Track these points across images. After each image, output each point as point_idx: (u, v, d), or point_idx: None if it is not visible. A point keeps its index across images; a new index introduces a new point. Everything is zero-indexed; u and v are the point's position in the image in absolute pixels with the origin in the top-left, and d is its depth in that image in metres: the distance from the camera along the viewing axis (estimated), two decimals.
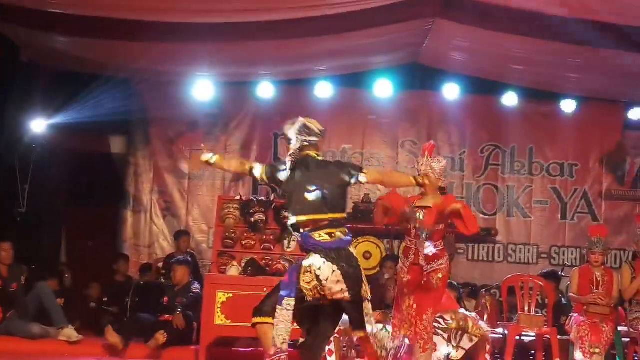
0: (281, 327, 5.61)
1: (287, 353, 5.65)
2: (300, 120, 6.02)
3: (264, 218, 9.21)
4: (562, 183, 12.64)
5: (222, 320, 8.32)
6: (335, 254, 5.70)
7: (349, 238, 5.85)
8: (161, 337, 8.68)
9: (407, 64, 12.03)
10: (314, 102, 12.15)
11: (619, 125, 12.72)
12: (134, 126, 12.43)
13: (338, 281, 5.67)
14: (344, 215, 5.89)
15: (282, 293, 5.66)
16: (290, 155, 5.94)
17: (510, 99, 12.18)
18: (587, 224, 12.19)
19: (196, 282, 9.40)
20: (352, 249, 5.85)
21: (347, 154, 12.19)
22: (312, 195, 5.77)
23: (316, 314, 5.94)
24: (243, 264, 8.82)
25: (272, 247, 9.19)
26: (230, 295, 8.36)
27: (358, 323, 5.93)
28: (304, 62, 11.47)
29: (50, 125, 11.48)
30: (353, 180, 5.91)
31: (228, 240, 9.23)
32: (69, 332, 8.99)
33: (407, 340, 6.96)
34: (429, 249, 6.98)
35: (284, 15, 9.26)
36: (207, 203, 12.21)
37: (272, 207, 9.32)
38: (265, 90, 12.02)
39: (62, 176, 11.92)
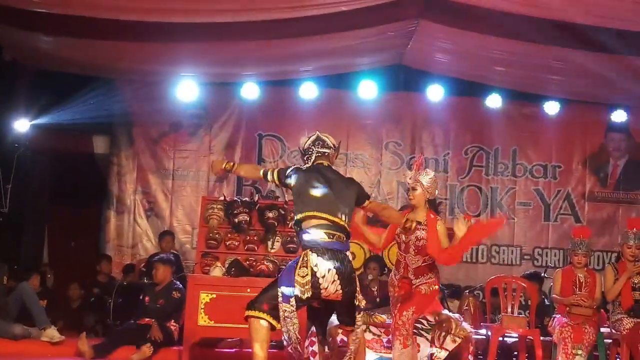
0: (291, 329, 5.72)
1: (300, 343, 5.81)
2: (316, 133, 6.29)
3: (248, 219, 9.19)
4: (545, 185, 12.69)
5: (205, 321, 8.28)
6: (332, 254, 5.81)
7: (347, 243, 5.99)
8: (147, 350, 8.60)
9: (392, 66, 12.05)
10: (299, 103, 12.16)
11: (602, 127, 12.79)
12: (117, 126, 12.38)
13: (333, 281, 5.77)
14: (347, 225, 5.99)
15: (286, 292, 5.72)
16: (304, 163, 6.18)
17: (494, 101, 12.21)
18: (570, 225, 12.25)
19: (178, 282, 9.36)
20: (349, 254, 5.96)
21: None
22: (321, 194, 5.94)
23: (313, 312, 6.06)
24: (227, 265, 8.79)
25: (255, 248, 9.17)
26: (214, 296, 8.33)
27: (348, 320, 6.05)
28: (289, 63, 11.47)
29: (33, 125, 11.44)
30: (359, 202, 6.18)
31: (212, 241, 9.19)
32: (51, 333, 8.93)
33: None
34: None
35: (269, 15, 9.26)
36: (191, 203, 12.18)
37: (256, 207, 9.30)
38: (250, 91, 12.01)
39: (45, 176, 11.88)
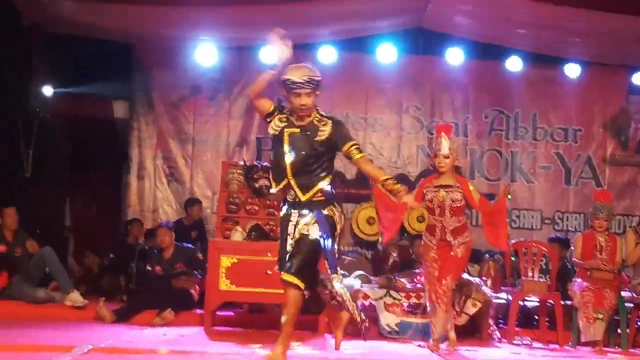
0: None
1: None
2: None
3: (268, 183, 9.20)
4: (565, 148, 12.61)
5: (227, 286, 8.35)
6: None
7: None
8: (169, 315, 8.68)
9: (411, 29, 11.98)
10: (317, 67, 11.99)
11: (622, 89, 12.67)
12: (136, 91, 12.36)
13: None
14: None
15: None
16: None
17: (514, 64, 12.11)
18: (590, 189, 12.18)
19: (187, 244, 9.50)
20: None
21: (350, 119, 12.05)
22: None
23: None
24: (247, 229, 8.83)
25: (276, 213, 9.18)
26: (235, 260, 8.39)
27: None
28: (308, 27, 11.38)
29: (53, 91, 11.47)
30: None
31: (232, 206, 9.23)
32: (75, 297, 9.01)
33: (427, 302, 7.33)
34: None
35: None
36: (211, 168, 12.17)
37: None
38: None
39: (66, 141, 11.90)
